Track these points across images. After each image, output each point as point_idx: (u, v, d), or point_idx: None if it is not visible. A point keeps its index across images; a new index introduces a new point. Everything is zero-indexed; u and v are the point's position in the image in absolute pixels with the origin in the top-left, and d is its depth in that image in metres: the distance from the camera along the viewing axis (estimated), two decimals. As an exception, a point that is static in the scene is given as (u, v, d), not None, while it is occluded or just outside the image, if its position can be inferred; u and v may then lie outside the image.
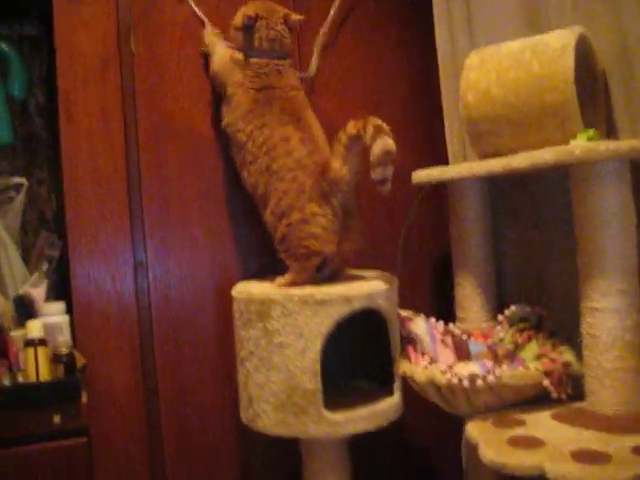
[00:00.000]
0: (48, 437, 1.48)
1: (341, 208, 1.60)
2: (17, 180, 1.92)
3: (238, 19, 1.71)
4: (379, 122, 1.51)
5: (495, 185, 1.83)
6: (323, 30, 1.96)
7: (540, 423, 1.42)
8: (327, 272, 1.67)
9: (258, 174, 1.65)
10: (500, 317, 1.70)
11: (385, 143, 1.48)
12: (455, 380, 1.44)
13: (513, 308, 1.68)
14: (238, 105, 1.68)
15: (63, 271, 1.84)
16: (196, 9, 1.85)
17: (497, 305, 1.78)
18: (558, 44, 1.48)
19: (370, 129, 1.49)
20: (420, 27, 2.04)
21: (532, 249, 1.79)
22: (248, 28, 1.69)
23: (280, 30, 1.70)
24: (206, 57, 1.82)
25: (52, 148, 2.06)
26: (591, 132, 1.46)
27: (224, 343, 1.83)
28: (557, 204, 1.68)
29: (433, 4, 1.93)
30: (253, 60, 1.69)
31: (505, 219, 1.86)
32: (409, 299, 1.78)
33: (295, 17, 1.73)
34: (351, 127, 1.53)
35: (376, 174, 1.50)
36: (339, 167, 1.56)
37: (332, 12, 1.96)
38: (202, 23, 1.85)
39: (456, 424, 1.61)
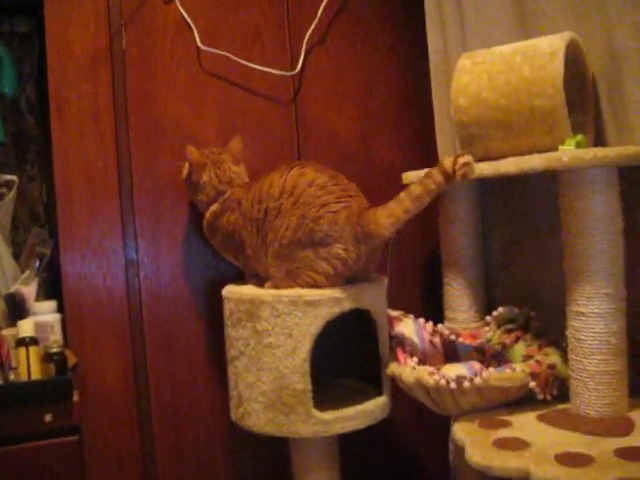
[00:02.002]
0: (39, 436, 1.49)
1: (368, 251, 1.55)
2: (8, 177, 1.92)
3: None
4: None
5: (485, 187, 1.85)
6: (311, 28, 1.96)
7: (526, 425, 1.44)
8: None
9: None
10: (488, 318, 1.72)
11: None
12: (442, 382, 1.46)
13: (501, 309, 1.70)
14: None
15: (54, 269, 1.85)
16: (185, 14, 1.85)
17: (486, 306, 1.81)
18: (548, 50, 1.49)
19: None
20: (412, 30, 2.05)
21: (520, 251, 1.81)
22: None
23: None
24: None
25: (43, 145, 2.05)
26: (579, 138, 1.47)
27: (215, 342, 1.84)
28: (545, 207, 1.70)
29: (425, 7, 1.93)
30: None
31: (494, 221, 1.88)
32: (399, 299, 1.79)
33: None
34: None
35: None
36: (387, 226, 1.48)
37: (320, 11, 1.95)
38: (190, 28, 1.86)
39: (444, 424, 1.63)
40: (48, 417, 1.50)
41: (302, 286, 1.56)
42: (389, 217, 1.48)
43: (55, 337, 1.70)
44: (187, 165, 1.74)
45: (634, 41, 1.45)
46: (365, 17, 2.04)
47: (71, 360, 1.64)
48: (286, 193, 1.57)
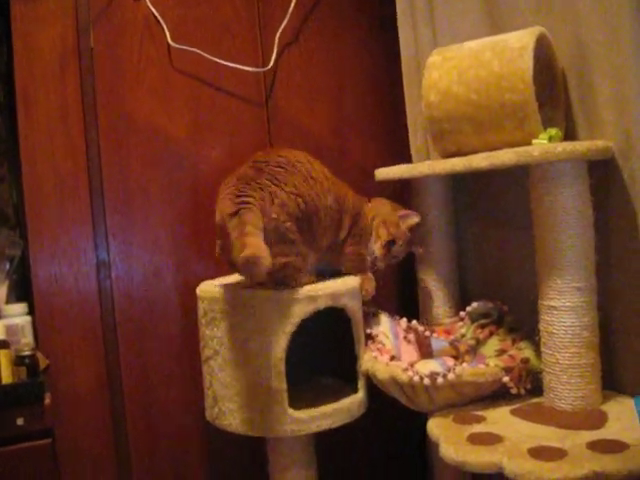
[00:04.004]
0: (12, 440, 1.47)
1: None
2: (-24, 179, 1.89)
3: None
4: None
5: (457, 182, 1.85)
6: (283, 24, 1.94)
7: (500, 419, 1.44)
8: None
9: None
10: (462, 313, 1.72)
11: None
12: (416, 378, 1.46)
13: (475, 304, 1.71)
14: None
15: (24, 271, 1.82)
16: (154, 11, 1.83)
17: (460, 301, 1.81)
18: (517, 45, 1.49)
19: None
20: (385, 25, 2.03)
21: (493, 246, 1.81)
22: None
23: None
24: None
25: (12, 145, 2.03)
26: (553, 132, 1.47)
27: (189, 342, 1.83)
28: (517, 201, 1.70)
29: (397, 3, 1.93)
30: None
31: (467, 216, 1.88)
32: (374, 296, 1.79)
33: None
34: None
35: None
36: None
37: (292, 6, 1.94)
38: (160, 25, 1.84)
39: (420, 420, 1.63)
40: (20, 421, 1.49)
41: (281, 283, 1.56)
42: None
43: (26, 340, 1.68)
44: None
45: (603, 35, 1.45)
46: (337, 12, 2.03)
47: (43, 363, 1.62)
48: None
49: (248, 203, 1.48)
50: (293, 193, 1.53)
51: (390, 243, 1.71)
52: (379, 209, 1.76)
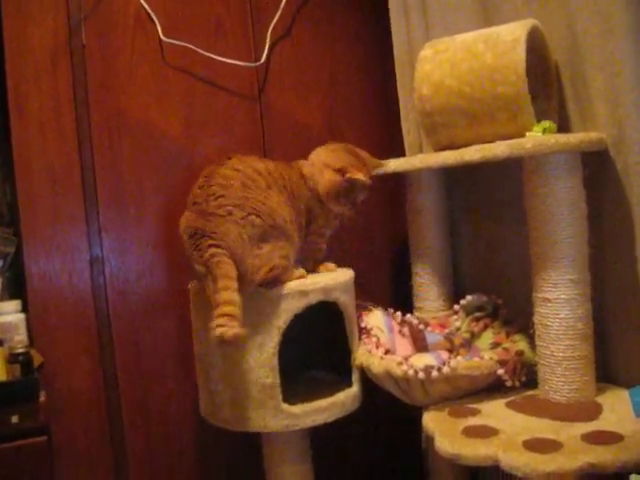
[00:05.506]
0: (6, 438, 1.46)
1: None
2: (-31, 176, 1.88)
3: None
4: None
5: (451, 176, 1.84)
6: (275, 19, 1.94)
7: (495, 412, 1.44)
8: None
9: None
10: (456, 306, 1.72)
11: None
12: (411, 372, 1.46)
13: (469, 297, 1.71)
14: None
15: (18, 268, 1.81)
16: (145, 5, 1.82)
17: (454, 295, 1.81)
18: (510, 37, 1.49)
19: None
20: (377, 19, 2.03)
21: (487, 239, 1.81)
22: None
23: None
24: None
25: (4, 143, 2.02)
26: (547, 124, 1.47)
27: (183, 338, 1.82)
28: (510, 195, 1.70)
29: (389, -4, 1.93)
30: None
31: (461, 210, 1.88)
32: (369, 290, 1.79)
33: None
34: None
35: None
36: None
37: (284, 0, 1.93)
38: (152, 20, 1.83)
39: (416, 413, 1.63)
40: (15, 418, 1.48)
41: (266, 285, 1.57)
42: None
43: (20, 337, 1.68)
44: None
45: (595, 28, 1.45)
46: (329, 6, 2.03)
47: (37, 360, 1.61)
48: None
49: (214, 256, 1.45)
50: (242, 218, 1.48)
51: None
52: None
